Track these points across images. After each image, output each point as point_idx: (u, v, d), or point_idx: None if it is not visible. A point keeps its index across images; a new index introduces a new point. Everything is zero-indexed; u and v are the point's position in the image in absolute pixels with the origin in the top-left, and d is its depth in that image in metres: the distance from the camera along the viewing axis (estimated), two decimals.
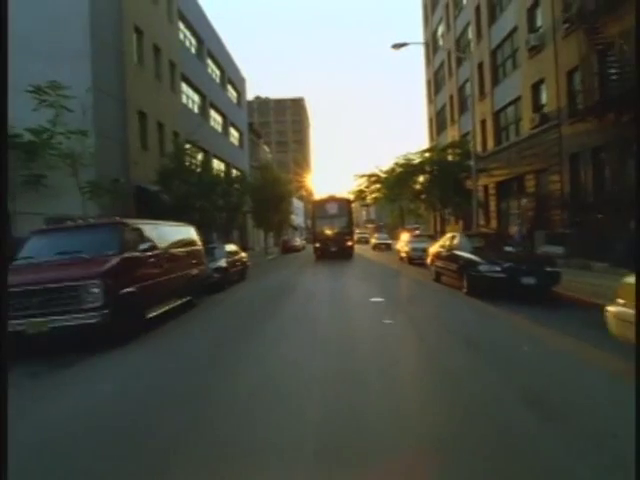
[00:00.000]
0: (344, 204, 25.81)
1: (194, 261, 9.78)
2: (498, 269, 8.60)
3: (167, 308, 8.00)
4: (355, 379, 4.37)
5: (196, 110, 28.55)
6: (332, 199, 26.38)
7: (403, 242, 20.71)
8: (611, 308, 4.38)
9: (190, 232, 10.21)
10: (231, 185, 22.71)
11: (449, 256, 10.88)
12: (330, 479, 2.65)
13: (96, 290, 6.03)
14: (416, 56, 41.49)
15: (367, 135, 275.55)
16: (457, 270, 10.15)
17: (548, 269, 8.59)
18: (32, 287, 5.98)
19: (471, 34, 25.62)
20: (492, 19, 22.74)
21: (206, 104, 30.26)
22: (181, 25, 26.60)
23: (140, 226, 7.70)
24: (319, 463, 2.77)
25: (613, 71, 12.93)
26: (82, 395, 4.37)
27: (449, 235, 12.10)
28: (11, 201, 14.47)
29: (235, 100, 39.90)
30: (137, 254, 7.15)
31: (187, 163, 19.01)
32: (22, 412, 3.80)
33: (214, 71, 33.65)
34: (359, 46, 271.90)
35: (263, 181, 33.31)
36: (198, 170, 19.16)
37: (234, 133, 38.65)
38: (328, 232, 24.01)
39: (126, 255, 6.79)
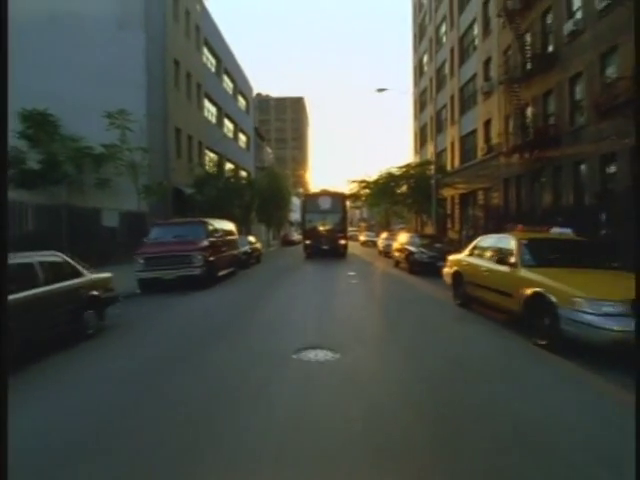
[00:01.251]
0: (338, 199, 24.52)
1: (235, 245, 15.34)
2: (425, 256, 14.28)
3: (225, 272, 13.61)
4: (332, 296, 10.00)
5: (214, 120, 33.86)
6: (325, 193, 25.35)
7: (381, 239, 26.36)
8: (444, 269, 10.02)
9: (232, 226, 15.79)
10: (245, 190, 28.24)
11: (402, 249, 16.54)
12: (322, 306, 8.25)
13: (199, 257, 11.59)
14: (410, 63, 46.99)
15: (365, 134, 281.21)
16: (405, 257, 15.82)
17: None
18: (164, 254, 11.50)
19: (447, 69, 31.24)
20: (461, 61, 28.37)
21: (222, 114, 35.60)
22: (204, 49, 31.88)
23: (212, 222, 13.26)
24: (319, 310, 8.40)
25: (527, 125, 18.61)
26: (200, 301, 9.98)
27: (405, 235, 17.79)
28: (82, 198, 19.77)
29: (244, 108, 45.20)
30: (213, 239, 12.72)
31: (216, 172, 24.57)
32: (177, 306, 9.42)
33: (228, 84, 38.93)
34: (360, 46, 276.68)
35: (268, 181, 38.86)
36: (223, 178, 24.67)
37: (242, 137, 43.98)
38: (320, 229, 23.00)
39: (209, 239, 12.36)
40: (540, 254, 6.85)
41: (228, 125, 38.40)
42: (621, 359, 4.76)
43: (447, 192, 29.09)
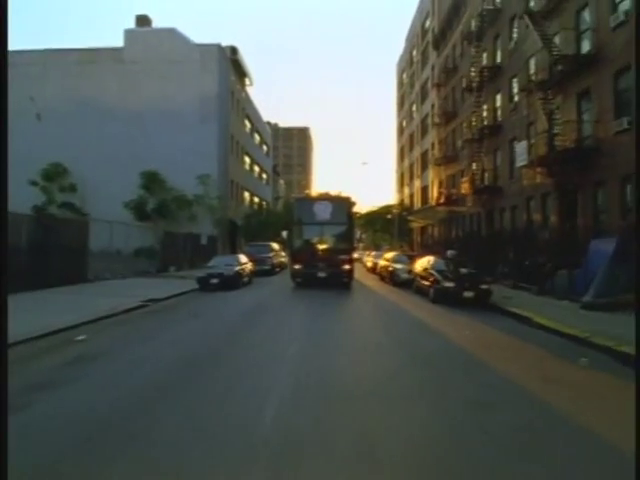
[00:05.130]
0: (342, 206, 19.75)
1: (280, 257, 30.11)
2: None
3: (278, 270, 28.38)
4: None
5: (248, 168, 48.97)
6: (325, 197, 21.17)
7: (365, 256, 41.08)
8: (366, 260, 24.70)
9: (278, 246, 30.61)
10: (273, 219, 43.30)
11: (371, 260, 31.21)
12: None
13: (269, 260, 26.44)
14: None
15: (364, 162, 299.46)
16: (372, 266, 30.47)
17: None
18: (255, 258, 26.27)
19: (415, 138, 46.55)
20: (422, 136, 43.61)
21: (253, 162, 50.83)
22: (245, 121, 47.20)
23: (271, 244, 28.13)
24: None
25: (443, 191, 33.60)
26: (275, 280, 24.74)
27: (374, 253, 32.56)
28: (177, 226, 34.42)
29: (265, 153, 60.61)
30: (274, 252, 27.55)
31: (254, 209, 39.62)
32: (267, 280, 24.27)
33: (256, 138, 54.30)
34: (361, 75, 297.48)
35: (284, 211, 53.90)
36: (264, 214, 39.73)
37: (264, 176, 59.22)
38: (315, 247, 19.39)
39: (272, 252, 27.21)
40: (399, 259, 21.50)
41: (256, 169, 53.61)
42: (404, 285, 19.32)
43: (414, 225, 43.98)
